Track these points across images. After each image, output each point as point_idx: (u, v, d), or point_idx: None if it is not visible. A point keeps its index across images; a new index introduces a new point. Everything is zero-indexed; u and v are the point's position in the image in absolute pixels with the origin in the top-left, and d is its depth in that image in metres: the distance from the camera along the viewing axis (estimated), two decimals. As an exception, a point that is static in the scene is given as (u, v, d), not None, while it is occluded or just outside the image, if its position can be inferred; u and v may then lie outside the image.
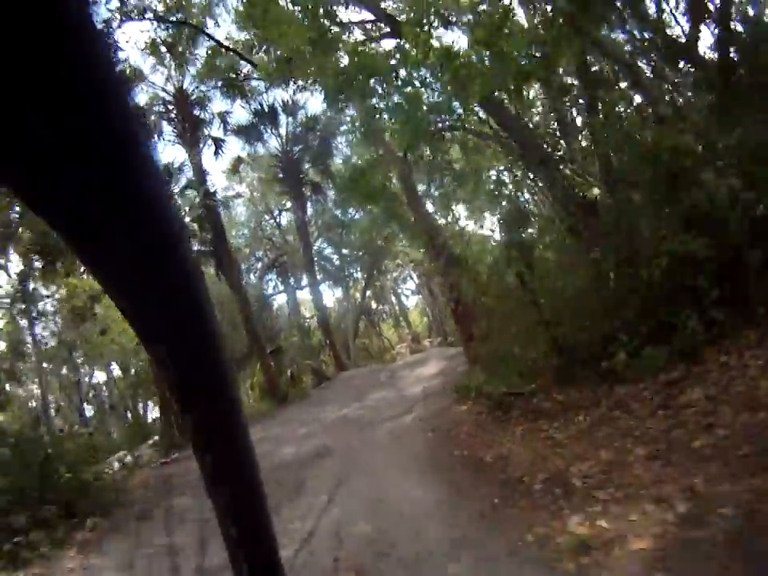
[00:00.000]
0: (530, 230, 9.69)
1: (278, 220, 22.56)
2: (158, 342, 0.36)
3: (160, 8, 11.39)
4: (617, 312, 4.27)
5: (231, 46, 12.99)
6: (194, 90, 15.40)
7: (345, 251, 22.56)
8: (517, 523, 2.45)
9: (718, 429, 2.56)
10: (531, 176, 10.22)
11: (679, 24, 7.95)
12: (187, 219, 15.75)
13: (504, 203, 11.62)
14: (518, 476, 3.19)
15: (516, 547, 2.18)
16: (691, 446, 2.57)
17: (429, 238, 10.68)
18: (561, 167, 8.81)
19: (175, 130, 15.44)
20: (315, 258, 20.93)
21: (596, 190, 9.21)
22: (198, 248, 16.73)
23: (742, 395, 2.72)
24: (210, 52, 13.13)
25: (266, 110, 16.05)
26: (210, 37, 12.89)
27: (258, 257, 23.91)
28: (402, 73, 8.65)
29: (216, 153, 16.23)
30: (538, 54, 7.65)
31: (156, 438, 13.10)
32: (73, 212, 0.27)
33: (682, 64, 7.96)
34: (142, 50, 12.46)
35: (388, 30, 11.96)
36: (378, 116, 8.98)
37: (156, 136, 15.77)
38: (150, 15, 11.12)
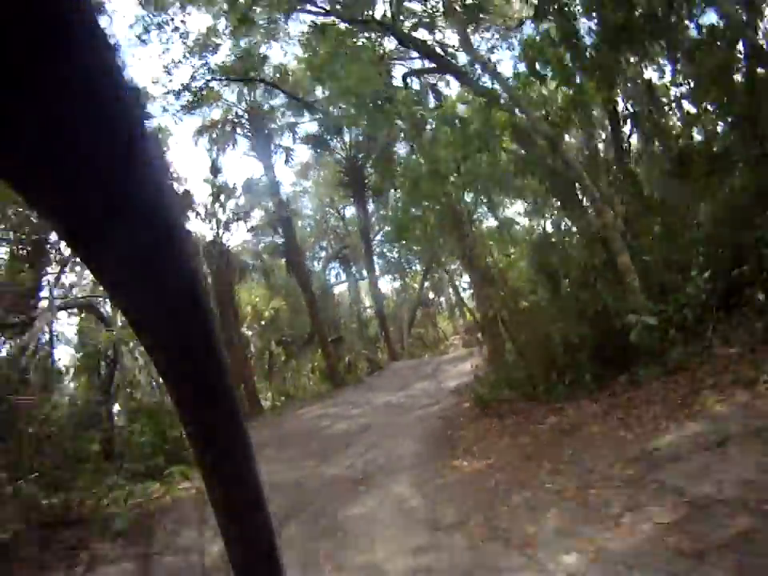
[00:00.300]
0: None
1: (341, 213, 26.33)
2: (157, 342, 0.39)
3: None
4: (555, 358, 7.42)
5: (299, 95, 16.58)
6: (264, 104, 19.17)
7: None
8: (442, 461, 5.76)
9: (538, 438, 5.68)
10: (560, 206, 12.87)
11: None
12: (263, 223, 19.89)
13: (539, 221, 14.36)
14: (458, 445, 6.46)
15: (434, 468, 5.55)
16: (519, 441, 5.72)
17: (463, 252, 13.78)
18: (583, 202, 11.51)
19: (250, 143, 19.46)
20: (376, 250, 24.52)
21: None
22: (272, 241, 20.88)
23: (560, 427, 5.76)
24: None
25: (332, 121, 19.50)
26: (284, 92, 16.50)
27: (322, 246, 28.02)
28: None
29: (286, 161, 20.09)
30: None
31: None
32: (73, 210, 0.30)
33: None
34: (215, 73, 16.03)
35: (434, 65, 14.94)
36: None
37: (231, 145, 19.85)
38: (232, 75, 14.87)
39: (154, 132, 15.66)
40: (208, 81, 14.19)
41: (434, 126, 11.61)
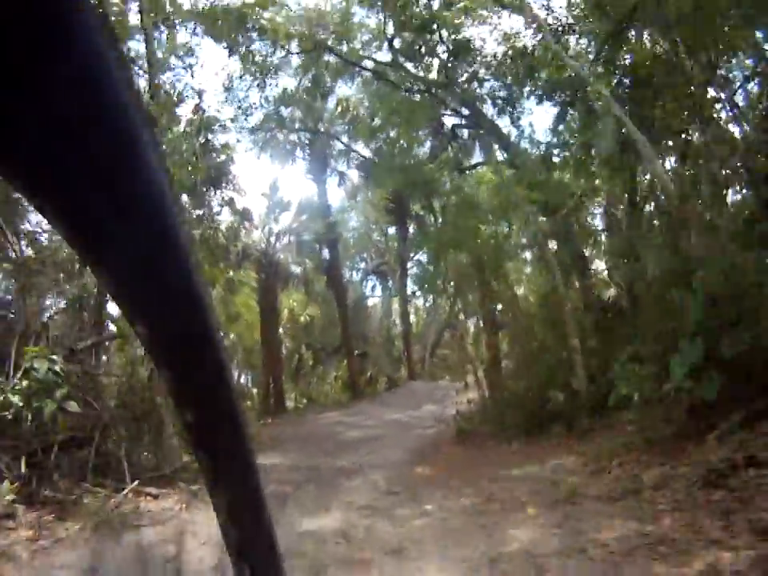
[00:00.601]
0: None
1: (384, 230, 30.61)
2: (157, 342, 0.44)
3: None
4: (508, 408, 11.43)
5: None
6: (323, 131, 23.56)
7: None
8: (411, 467, 9.82)
9: (471, 462, 9.71)
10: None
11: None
12: (311, 239, 24.38)
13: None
14: (428, 460, 10.54)
15: (404, 470, 9.64)
16: (462, 462, 9.72)
17: (483, 298, 17.76)
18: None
19: (307, 165, 24.01)
20: (414, 269, 28.64)
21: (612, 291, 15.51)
22: (316, 251, 25.27)
23: (488, 457, 9.73)
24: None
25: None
26: (342, 142, 20.95)
27: (362, 257, 32.42)
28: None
29: (339, 183, 24.54)
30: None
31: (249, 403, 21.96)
32: (74, 211, 0.33)
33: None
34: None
35: (476, 123, 18.72)
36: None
37: (290, 162, 24.41)
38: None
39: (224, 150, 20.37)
40: (277, 127, 18.74)
41: (462, 196, 15.64)
